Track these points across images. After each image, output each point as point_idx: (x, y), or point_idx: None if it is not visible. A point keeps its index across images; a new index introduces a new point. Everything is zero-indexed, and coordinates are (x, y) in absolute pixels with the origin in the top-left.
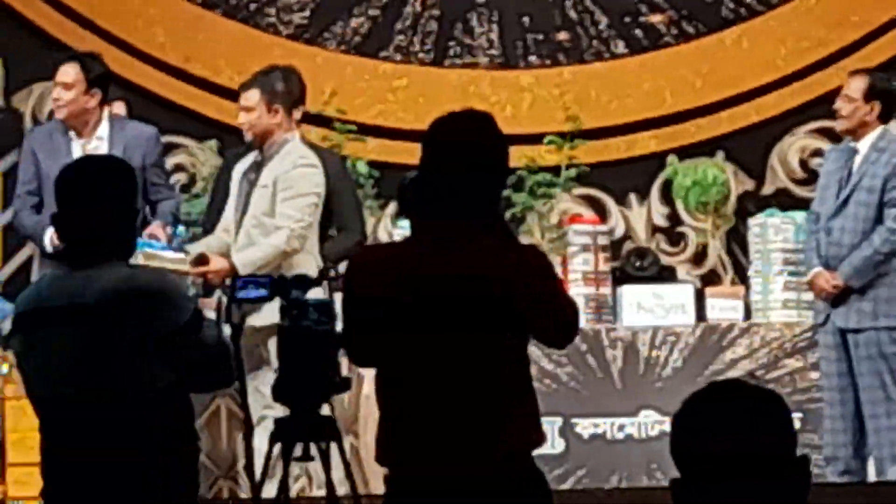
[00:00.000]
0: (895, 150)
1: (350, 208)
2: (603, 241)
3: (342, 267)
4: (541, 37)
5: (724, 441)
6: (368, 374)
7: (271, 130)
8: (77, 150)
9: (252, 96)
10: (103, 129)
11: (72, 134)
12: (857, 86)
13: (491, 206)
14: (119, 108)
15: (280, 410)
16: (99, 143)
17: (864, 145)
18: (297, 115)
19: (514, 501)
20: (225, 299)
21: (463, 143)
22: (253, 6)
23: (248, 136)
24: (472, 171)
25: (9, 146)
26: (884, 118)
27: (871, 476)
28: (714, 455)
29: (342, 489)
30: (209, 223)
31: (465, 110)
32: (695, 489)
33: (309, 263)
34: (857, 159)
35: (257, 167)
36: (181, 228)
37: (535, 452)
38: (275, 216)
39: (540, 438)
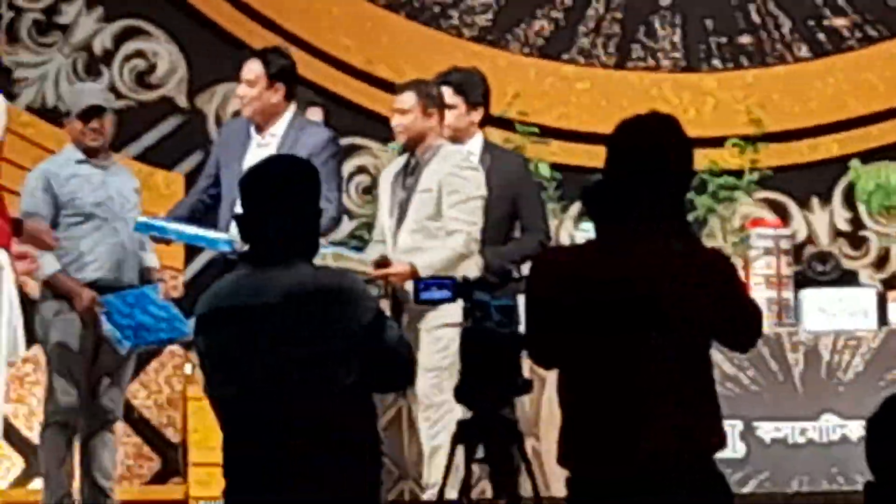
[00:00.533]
0: None
1: (534, 209)
2: (785, 244)
3: (525, 269)
4: (724, 40)
5: None
6: (550, 377)
7: (425, 134)
8: (253, 146)
9: (407, 99)
10: (279, 126)
11: (252, 130)
12: None
13: (676, 210)
14: (314, 113)
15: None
16: (271, 139)
17: None
18: (478, 116)
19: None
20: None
21: (649, 146)
22: (437, 8)
23: (402, 139)
24: (657, 174)
25: (193, 147)
26: None
27: None
28: None
29: (523, 491)
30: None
31: (651, 113)
32: (890, 493)
33: (472, 266)
34: None
35: (412, 171)
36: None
37: (716, 456)
38: (440, 220)
39: (722, 441)
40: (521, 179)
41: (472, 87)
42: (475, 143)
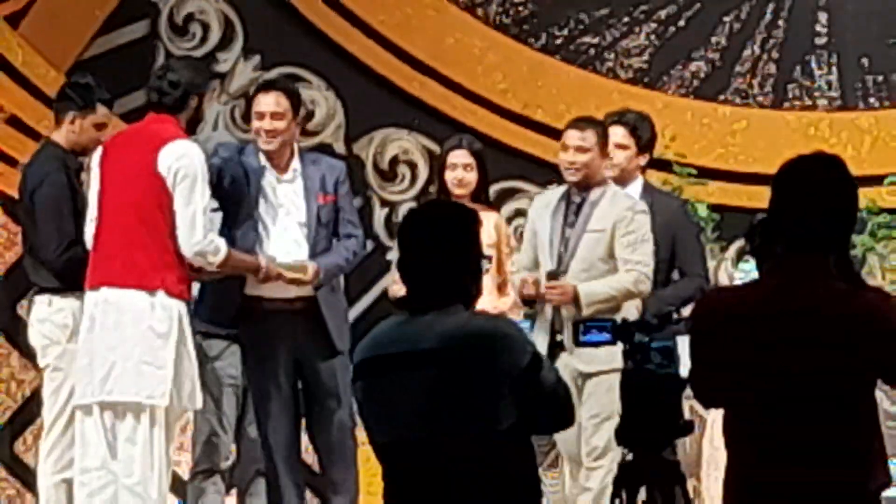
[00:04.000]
0: None
1: (693, 252)
2: None
3: (685, 311)
4: (880, 78)
5: None
6: (710, 417)
7: (599, 173)
8: (272, 180)
9: (589, 137)
10: (296, 159)
11: (263, 162)
12: None
13: (841, 249)
14: None
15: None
16: (294, 174)
17: None
18: (644, 160)
19: None
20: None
21: (815, 185)
22: (592, 51)
23: (578, 177)
24: (824, 213)
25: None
26: None
27: None
28: None
29: None
30: None
31: (816, 153)
32: None
33: (631, 307)
34: None
35: (577, 209)
36: None
37: (883, 494)
38: (610, 262)
39: (889, 481)
40: (680, 222)
41: (644, 130)
42: (636, 186)
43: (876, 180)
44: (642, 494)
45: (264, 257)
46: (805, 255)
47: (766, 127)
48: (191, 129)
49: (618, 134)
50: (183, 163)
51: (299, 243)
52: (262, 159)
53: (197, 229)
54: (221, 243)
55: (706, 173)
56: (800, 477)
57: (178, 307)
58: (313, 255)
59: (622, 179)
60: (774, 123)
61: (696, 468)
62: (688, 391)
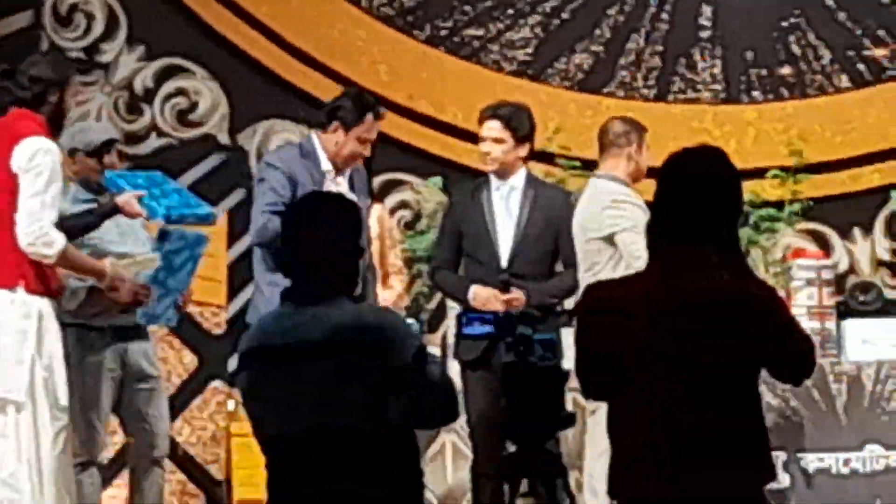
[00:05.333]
0: None
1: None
2: (827, 275)
3: (568, 303)
4: (764, 72)
5: None
6: (592, 409)
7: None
8: (331, 184)
9: (496, 126)
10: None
11: (326, 167)
12: None
13: (729, 242)
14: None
15: None
16: (342, 179)
17: None
18: (524, 151)
19: None
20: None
21: (700, 178)
22: (476, 43)
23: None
24: (709, 205)
25: (235, 184)
26: None
27: None
28: None
29: None
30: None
31: (700, 145)
32: None
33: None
34: None
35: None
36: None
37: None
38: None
39: (771, 474)
40: (564, 215)
41: (521, 122)
42: (519, 178)
43: (759, 173)
44: (524, 487)
45: (111, 264)
46: (690, 248)
47: (650, 120)
48: (55, 124)
49: (493, 128)
50: (35, 160)
51: None
52: (326, 163)
53: (32, 221)
54: (58, 238)
55: (590, 165)
56: (686, 469)
57: (39, 304)
58: None
59: (503, 172)
60: (658, 116)
61: (579, 460)
62: (572, 383)
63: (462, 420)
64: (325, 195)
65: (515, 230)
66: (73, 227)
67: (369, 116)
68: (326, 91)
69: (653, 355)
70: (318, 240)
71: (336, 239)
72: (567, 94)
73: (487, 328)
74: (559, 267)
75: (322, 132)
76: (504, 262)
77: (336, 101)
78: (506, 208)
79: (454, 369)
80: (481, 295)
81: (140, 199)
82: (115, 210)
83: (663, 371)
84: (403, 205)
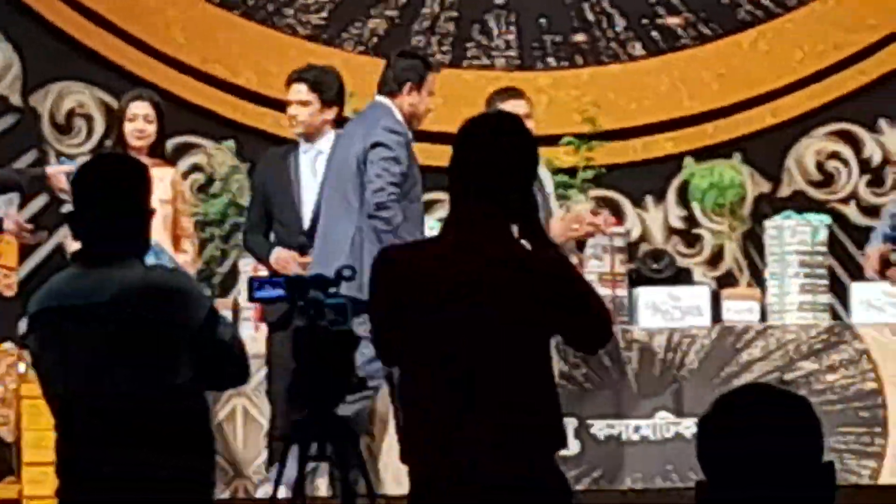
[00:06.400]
0: None
1: None
2: (619, 242)
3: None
4: (558, 38)
5: (750, 445)
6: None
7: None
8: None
9: (308, 90)
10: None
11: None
12: None
13: (525, 208)
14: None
15: None
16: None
17: None
18: (332, 115)
19: (536, 502)
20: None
21: (495, 142)
22: (271, 7)
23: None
24: (503, 171)
25: (27, 146)
26: None
27: None
28: (740, 458)
29: (358, 489)
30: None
31: (496, 111)
32: (720, 492)
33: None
34: None
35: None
36: None
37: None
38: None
39: (562, 441)
40: None
41: (328, 85)
42: (326, 142)
43: (552, 140)
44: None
45: None
46: (484, 214)
47: (444, 85)
48: None
49: (299, 91)
50: None
51: None
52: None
53: None
54: None
55: None
56: (475, 436)
57: None
58: None
59: (310, 135)
60: (453, 82)
61: (370, 425)
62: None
63: (254, 383)
64: (112, 156)
65: (318, 193)
66: None
67: (432, 70)
68: (120, 54)
69: (443, 322)
70: (103, 200)
71: (121, 200)
72: (362, 58)
73: (278, 292)
74: None
75: (393, 97)
76: (305, 225)
77: (398, 64)
78: (312, 172)
79: (247, 332)
80: (280, 257)
81: None
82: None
83: (452, 339)
84: (196, 168)
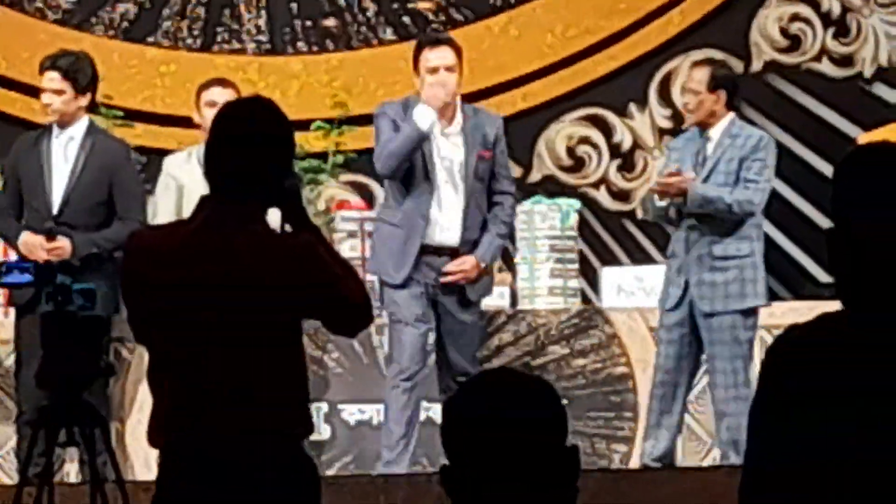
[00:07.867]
0: (748, 135)
1: (132, 196)
2: (370, 227)
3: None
4: (309, 23)
5: (493, 428)
6: (134, 360)
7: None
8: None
9: (60, 77)
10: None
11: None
12: (699, 78)
13: (280, 192)
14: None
15: None
16: (457, 128)
17: (716, 133)
18: (85, 101)
19: (283, 488)
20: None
21: (247, 127)
22: None
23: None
24: (254, 156)
25: None
26: (730, 105)
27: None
28: (484, 442)
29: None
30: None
31: (250, 96)
32: (464, 476)
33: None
34: (710, 146)
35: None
36: None
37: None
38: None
39: (309, 428)
40: (120, 165)
41: (81, 72)
42: (79, 128)
43: (303, 125)
44: (62, 436)
45: None
46: (235, 199)
47: (194, 70)
48: None
49: (53, 79)
50: None
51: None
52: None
53: None
54: None
55: (133, 115)
56: (219, 422)
57: None
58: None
59: (64, 122)
60: (203, 66)
61: (120, 411)
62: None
63: (3, 368)
64: None
65: (69, 179)
66: None
67: (423, 48)
68: None
69: (186, 307)
70: None
71: None
72: (111, 42)
73: (27, 277)
74: None
75: None
76: (54, 210)
77: None
78: (63, 157)
79: None
80: (28, 242)
81: None
82: None
83: (195, 322)
84: None
